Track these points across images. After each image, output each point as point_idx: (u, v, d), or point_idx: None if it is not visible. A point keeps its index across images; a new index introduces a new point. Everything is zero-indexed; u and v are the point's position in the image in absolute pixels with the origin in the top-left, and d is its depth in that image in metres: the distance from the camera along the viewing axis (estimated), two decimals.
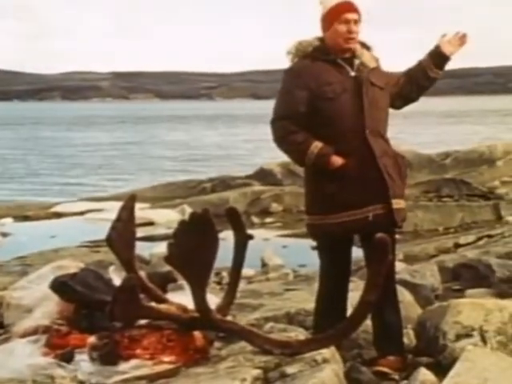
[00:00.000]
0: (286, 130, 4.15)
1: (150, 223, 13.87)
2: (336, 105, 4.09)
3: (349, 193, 4.07)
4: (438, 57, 4.30)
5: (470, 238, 10.37)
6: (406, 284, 5.69)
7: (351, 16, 4.12)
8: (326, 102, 4.10)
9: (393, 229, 4.11)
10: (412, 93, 4.39)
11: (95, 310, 4.12)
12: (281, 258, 10.14)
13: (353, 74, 4.15)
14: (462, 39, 4.32)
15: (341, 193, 4.07)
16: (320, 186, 4.16)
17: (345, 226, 4.09)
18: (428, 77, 4.32)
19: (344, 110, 4.09)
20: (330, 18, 4.15)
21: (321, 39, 4.23)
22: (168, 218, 14.15)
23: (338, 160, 4.08)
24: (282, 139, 4.19)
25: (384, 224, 4.03)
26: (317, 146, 4.08)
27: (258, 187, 16.61)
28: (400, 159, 4.27)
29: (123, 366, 3.74)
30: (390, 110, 4.37)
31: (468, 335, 4.11)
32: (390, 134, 4.32)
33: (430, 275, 6.44)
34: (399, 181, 4.20)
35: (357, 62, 4.18)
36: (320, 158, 4.08)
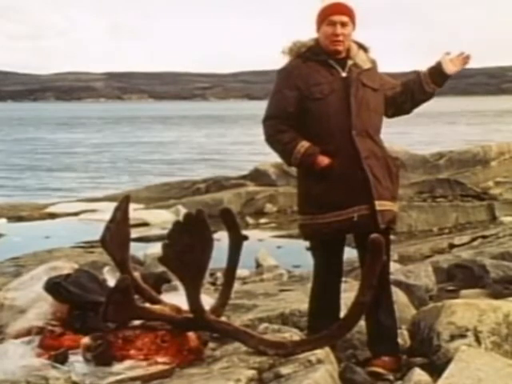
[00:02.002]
0: (274, 129, 4.20)
1: (145, 224, 13.87)
2: (324, 105, 4.11)
3: (335, 193, 4.08)
4: (437, 74, 4.27)
5: (465, 238, 10.40)
6: (401, 284, 5.69)
7: (337, 18, 4.12)
8: (314, 102, 4.12)
9: (380, 229, 4.02)
10: (406, 103, 4.37)
11: (89, 311, 4.12)
12: (275, 258, 10.15)
13: (344, 74, 4.16)
14: (464, 59, 4.30)
15: (327, 193, 4.10)
16: (309, 186, 4.19)
17: (332, 226, 4.11)
18: (424, 91, 4.30)
19: (331, 110, 4.10)
20: (319, 20, 4.20)
21: (316, 40, 4.26)
22: (162, 219, 14.16)
23: (324, 160, 4.09)
24: (271, 138, 4.23)
25: (369, 225, 4.03)
26: (303, 145, 4.11)
27: (252, 188, 16.62)
28: (391, 161, 4.25)
29: (117, 366, 3.73)
30: None
31: (462, 336, 4.12)
32: (383, 134, 4.31)
33: (424, 276, 6.46)
34: (388, 183, 4.18)
35: (350, 62, 4.19)
36: (306, 157, 4.11)
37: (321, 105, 4.11)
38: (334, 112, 4.10)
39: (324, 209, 4.11)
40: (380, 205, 4.10)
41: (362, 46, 4.29)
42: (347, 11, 4.16)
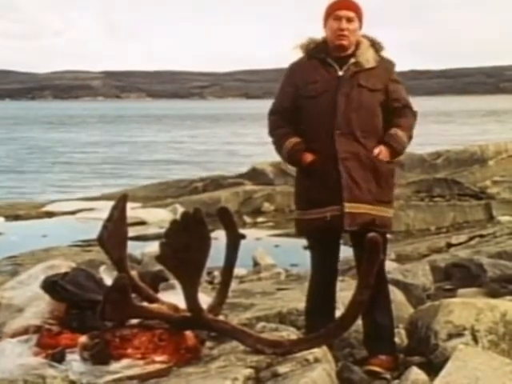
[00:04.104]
0: (274, 124, 4.32)
1: (142, 222, 13.87)
2: (315, 103, 4.15)
3: (315, 191, 4.15)
4: None
5: (462, 237, 10.41)
6: (398, 283, 5.70)
7: (343, 13, 4.14)
8: (308, 100, 4.18)
9: (345, 231, 4.10)
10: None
11: (86, 310, 4.11)
12: (273, 257, 10.16)
13: (340, 73, 4.16)
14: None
15: (310, 190, 4.18)
16: (299, 182, 4.32)
17: (314, 223, 4.16)
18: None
19: (321, 108, 4.13)
20: (326, 15, 4.24)
21: (325, 37, 4.28)
22: (160, 218, 14.15)
23: (308, 157, 4.16)
24: (271, 132, 4.36)
25: (340, 226, 4.07)
26: (291, 141, 4.20)
27: (249, 187, 16.63)
28: (381, 164, 4.16)
29: (114, 365, 3.72)
30: None
31: (459, 334, 4.12)
32: None
33: (421, 275, 6.46)
34: (372, 186, 4.12)
35: (351, 61, 4.18)
36: (292, 153, 4.20)
37: (313, 103, 4.16)
38: (323, 111, 4.13)
39: (308, 205, 4.19)
40: (351, 207, 4.07)
41: (374, 45, 4.25)
42: (354, 7, 4.19)
